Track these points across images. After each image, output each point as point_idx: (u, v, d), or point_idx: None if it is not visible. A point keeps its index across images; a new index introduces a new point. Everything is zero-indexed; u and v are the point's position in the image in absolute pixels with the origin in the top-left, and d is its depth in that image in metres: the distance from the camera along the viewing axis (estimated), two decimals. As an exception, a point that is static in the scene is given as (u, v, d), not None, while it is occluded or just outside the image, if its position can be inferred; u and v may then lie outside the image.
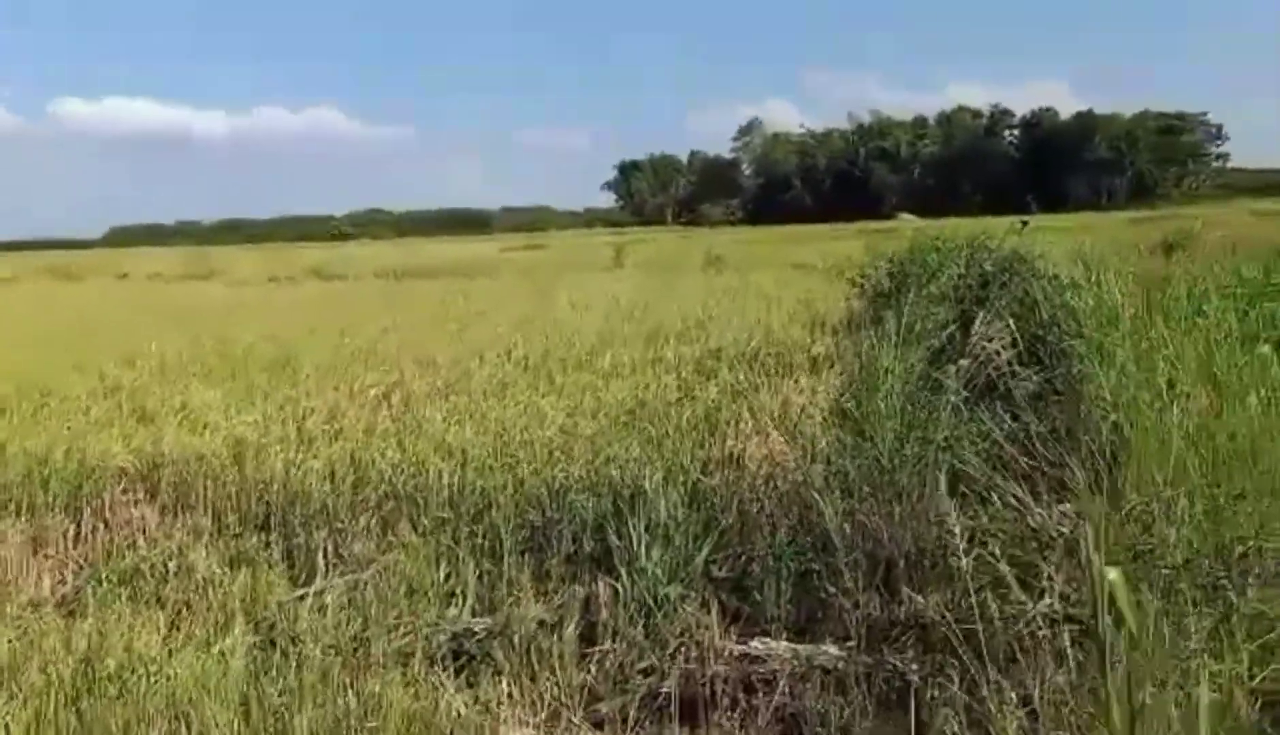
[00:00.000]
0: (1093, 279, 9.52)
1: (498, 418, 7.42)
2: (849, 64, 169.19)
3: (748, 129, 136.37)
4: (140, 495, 6.17)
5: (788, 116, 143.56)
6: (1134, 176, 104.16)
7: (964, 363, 8.36)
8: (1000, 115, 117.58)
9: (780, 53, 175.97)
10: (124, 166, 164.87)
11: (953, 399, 7.84)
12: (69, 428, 7.53)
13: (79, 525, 5.97)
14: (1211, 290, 9.04)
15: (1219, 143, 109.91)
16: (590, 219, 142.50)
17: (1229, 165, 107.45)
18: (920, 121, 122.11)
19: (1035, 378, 8.18)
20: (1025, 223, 50.63)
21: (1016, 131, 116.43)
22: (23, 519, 6.06)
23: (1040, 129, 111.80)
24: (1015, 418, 8.24)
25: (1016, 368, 8.37)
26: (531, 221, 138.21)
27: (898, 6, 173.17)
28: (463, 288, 23.09)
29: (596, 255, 35.82)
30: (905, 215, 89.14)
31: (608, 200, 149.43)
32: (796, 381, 8.44)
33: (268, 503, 6.04)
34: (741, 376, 8.67)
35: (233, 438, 6.81)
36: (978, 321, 9.69)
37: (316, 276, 32.14)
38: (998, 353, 8.71)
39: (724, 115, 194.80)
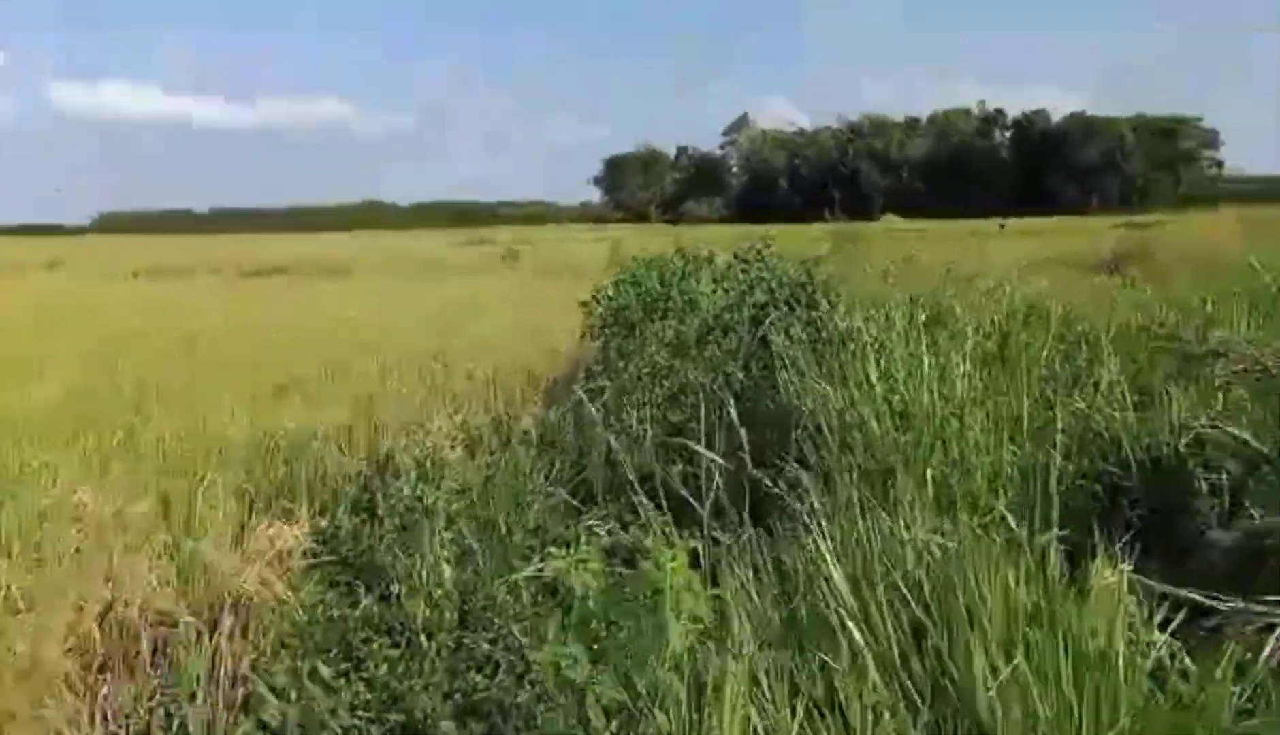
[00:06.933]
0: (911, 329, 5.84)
1: None
2: (848, 63, 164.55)
3: (737, 125, 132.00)
4: None
5: (786, 114, 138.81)
6: (1126, 180, 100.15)
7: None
8: (994, 116, 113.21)
9: (778, 51, 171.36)
10: (119, 154, 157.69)
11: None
12: None
13: None
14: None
15: (1215, 148, 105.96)
16: (581, 215, 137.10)
17: (1225, 172, 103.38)
18: (912, 122, 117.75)
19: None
20: (1003, 225, 48.57)
21: (1009, 132, 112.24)
22: None
23: (1033, 130, 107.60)
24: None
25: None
26: (526, 217, 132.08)
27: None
28: (298, 290, 19.70)
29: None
30: (890, 217, 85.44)
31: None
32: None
33: None
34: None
35: None
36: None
37: (164, 276, 28.56)
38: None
39: (720, 110, 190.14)
